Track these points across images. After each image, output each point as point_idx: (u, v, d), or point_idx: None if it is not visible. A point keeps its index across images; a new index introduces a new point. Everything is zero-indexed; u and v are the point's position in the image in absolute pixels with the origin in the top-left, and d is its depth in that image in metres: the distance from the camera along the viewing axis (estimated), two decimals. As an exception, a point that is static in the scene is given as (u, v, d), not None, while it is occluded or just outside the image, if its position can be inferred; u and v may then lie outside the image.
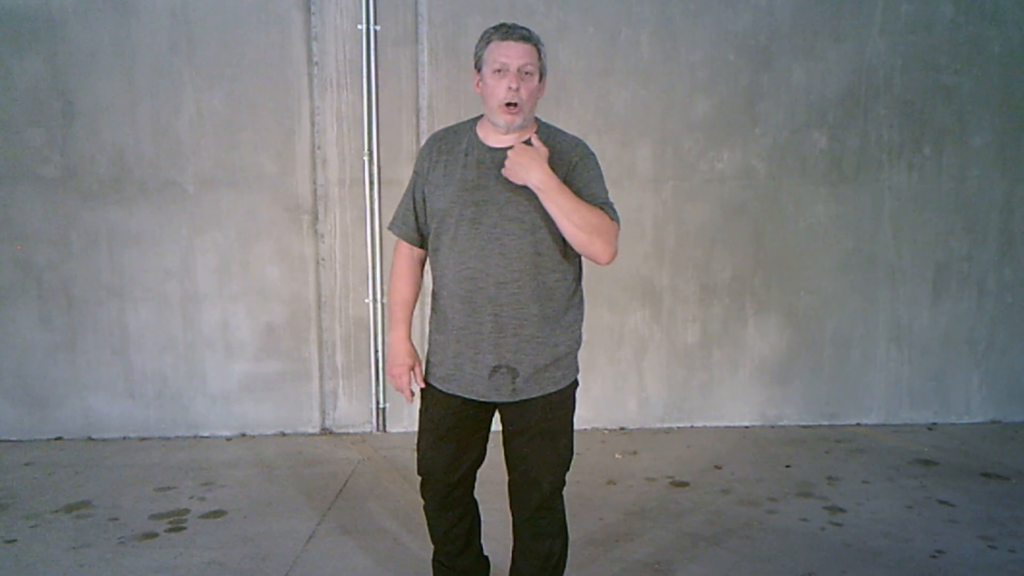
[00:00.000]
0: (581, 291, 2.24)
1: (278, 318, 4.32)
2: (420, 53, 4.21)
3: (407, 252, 2.27)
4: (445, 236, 2.11)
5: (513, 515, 2.28)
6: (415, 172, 2.23)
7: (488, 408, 2.19)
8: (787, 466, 3.91)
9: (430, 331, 2.24)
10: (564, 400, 2.19)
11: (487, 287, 2.06)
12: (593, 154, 2.15)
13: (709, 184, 4.38)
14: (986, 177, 4.49)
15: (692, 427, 4.50)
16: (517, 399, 2.12)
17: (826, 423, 4.57)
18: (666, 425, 4.51)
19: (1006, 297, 4.59)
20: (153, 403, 4.33)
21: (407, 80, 4.20)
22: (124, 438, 4.32)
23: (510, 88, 2.00)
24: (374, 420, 4.40)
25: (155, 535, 3.11)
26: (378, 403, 4.39)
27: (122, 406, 4.32)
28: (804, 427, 4.54)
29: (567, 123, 4.29)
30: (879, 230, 4.49)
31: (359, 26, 4.14)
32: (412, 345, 2.26)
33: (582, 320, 2.24)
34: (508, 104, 2.02)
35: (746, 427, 4.54)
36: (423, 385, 2.23)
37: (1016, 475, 3.78)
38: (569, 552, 2.34)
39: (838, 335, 4.54)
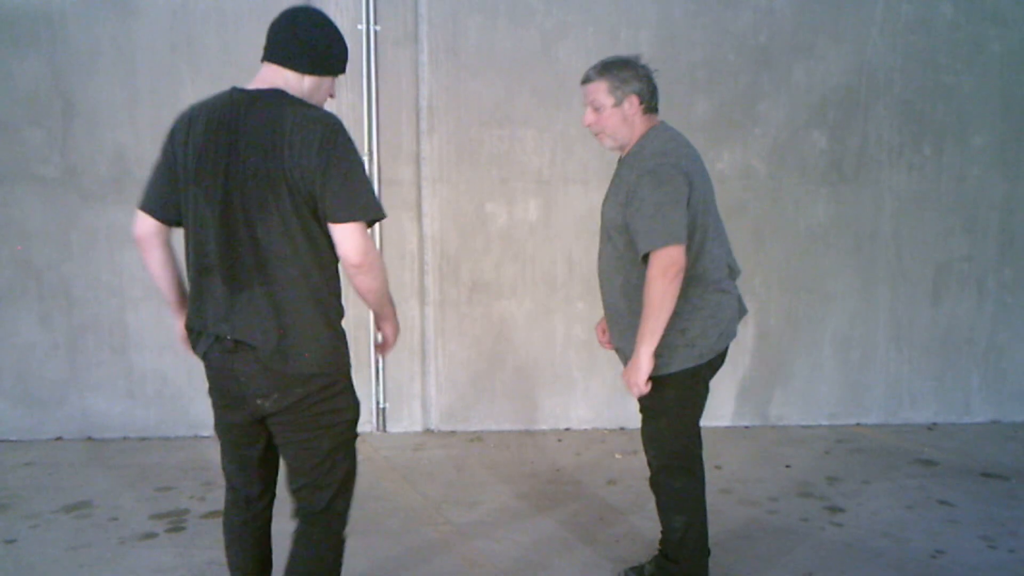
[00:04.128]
0: (691, 290, 2.38)
1: (278, 318, 4.31)
2: (420, 53, 4.21)
3: None
4: None
5: None
6: None
7: None
8: (787, 466, 3.91)
9: None
10: (660, 385, 2.39)
11: (601, 285, 2.54)
12: (652, 172, 2.30)
13: (709, 184, 4.37)
14: (986, 177, 4.49)
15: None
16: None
17: (826, 423, 4.57)
18: (666, 425, 4.51)
19: (1006, 297, 4.59)
20: (153, 403, 4.33)
21: (407, 80, 4.20)
22: (124, 438, 4.32)
23: (588, 124, 2.46)
24: (374, 420, 4.40)
25: (155, 535, 3.11)
26: (378, 403, 4.39)
27: (122, 406, 4.31)
28: (804, 427, 4.54)
29: (567, 123, 4.33)
30: (879, 230, 4.49)
31: (359, 26, 4.14)
32: None
33: (689, 317, 2.39)
34: (596, 134, 2.47)
35: (746, 427, 4.54)
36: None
37: (1016, 475, 3.78)
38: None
39: (838, 335, 4.54)
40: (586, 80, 2.40)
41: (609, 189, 2.48)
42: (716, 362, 2.48)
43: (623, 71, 2.36)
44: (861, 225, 4.48)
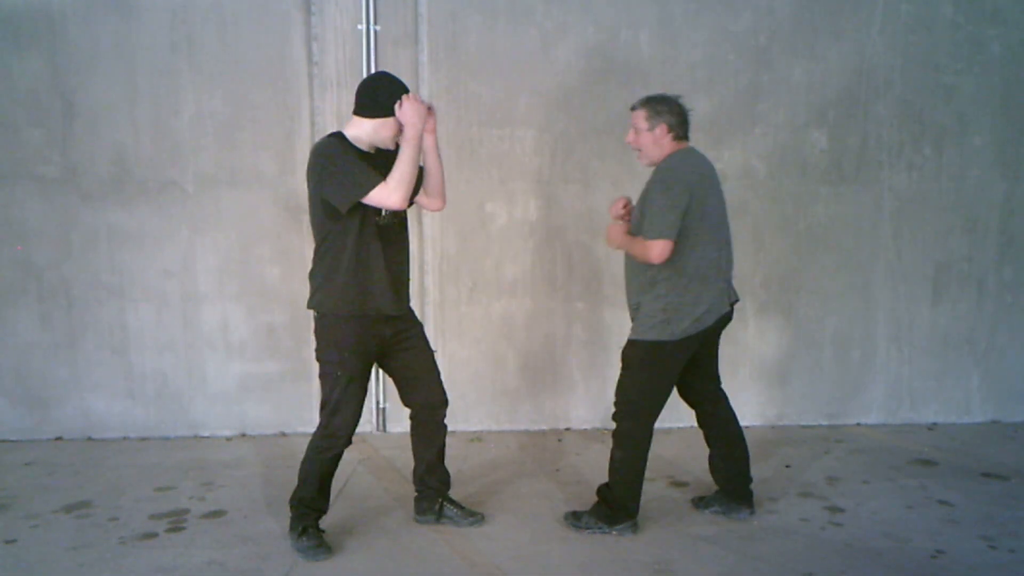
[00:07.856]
0: (666, 278, 2.93)
1: (278, 318, 4.32)
2: (420, 53, 4.21)
3: None
4: None
5: None
6: None
7: None
8: (787, 466, 3.91)
9: None
10: (635, 345, 3.01)
11: (625, 273, 3.14)
12: (662, 180, 2.92)
13: (709, 184, 4.37)
14: (986, 177, 4.49)
15: (692, 427, 4.48)
16: None
17: (826, 423, 4.57)
18: (666, 425, 4.49)
19: (1006, 297, 4.59)
20: (153, 403, 4.33)
21: (407, 80, 4.17)
22: (124, 438, 4.32)
23: (628, 142, 3.09)
24: (374, 420, 4.40)
25: (155, 535, 3.11)
26: (378, 403, 4.39)
27: (122, 406, 4.32)
28: (804, 427, 4.54)
29: (568, 123, 4.33)
30: (879, 230, 4.49)
31: (359, 26, 4.14)
32: None
33: (672, 301, 2.93)
34: (635, 150, 3.09)
35: (746, 427, 4.50)
36: None
37: (1016, 475, 3.78)
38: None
39: (838, 335, 4.55)
40: (633, 108, 3.03)
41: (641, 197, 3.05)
42: (687, 343, 2.96)
43: (659, 105, 2.98)
44: (861, 225, 4.48)
